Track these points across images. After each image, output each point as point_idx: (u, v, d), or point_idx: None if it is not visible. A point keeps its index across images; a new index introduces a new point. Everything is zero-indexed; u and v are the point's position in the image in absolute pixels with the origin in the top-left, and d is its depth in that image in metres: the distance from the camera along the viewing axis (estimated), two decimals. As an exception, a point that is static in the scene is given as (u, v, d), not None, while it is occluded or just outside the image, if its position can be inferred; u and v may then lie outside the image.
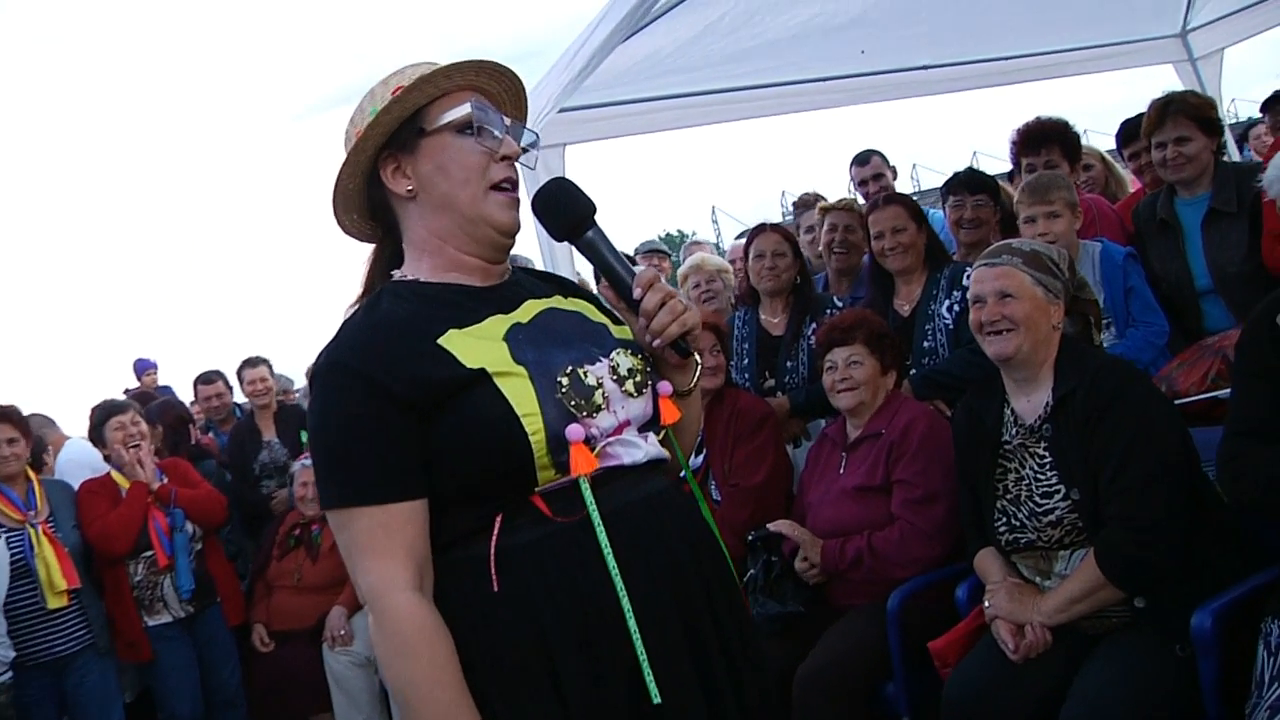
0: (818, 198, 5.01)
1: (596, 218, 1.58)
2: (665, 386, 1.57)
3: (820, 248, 4.28)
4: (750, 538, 3.27)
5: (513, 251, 1.64)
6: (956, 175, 4.00)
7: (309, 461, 4.65)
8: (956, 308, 3.39)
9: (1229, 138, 5.23)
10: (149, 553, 4.25)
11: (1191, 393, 2.84)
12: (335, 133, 1.60)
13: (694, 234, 19.43)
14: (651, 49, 4.21)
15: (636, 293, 1.51)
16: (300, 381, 7.43)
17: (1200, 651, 2.15)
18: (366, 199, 1.58)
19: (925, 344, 3.46)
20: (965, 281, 3.35)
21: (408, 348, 1.40)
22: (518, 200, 1.54)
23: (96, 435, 4.48)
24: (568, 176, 1.67)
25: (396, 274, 1.56)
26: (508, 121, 1.55)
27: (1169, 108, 3.37)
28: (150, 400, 5.57)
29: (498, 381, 1.38)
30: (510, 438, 1.36)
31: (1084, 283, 2.84)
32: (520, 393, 1.38)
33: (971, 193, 3.83)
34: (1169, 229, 3.45)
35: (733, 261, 5.17)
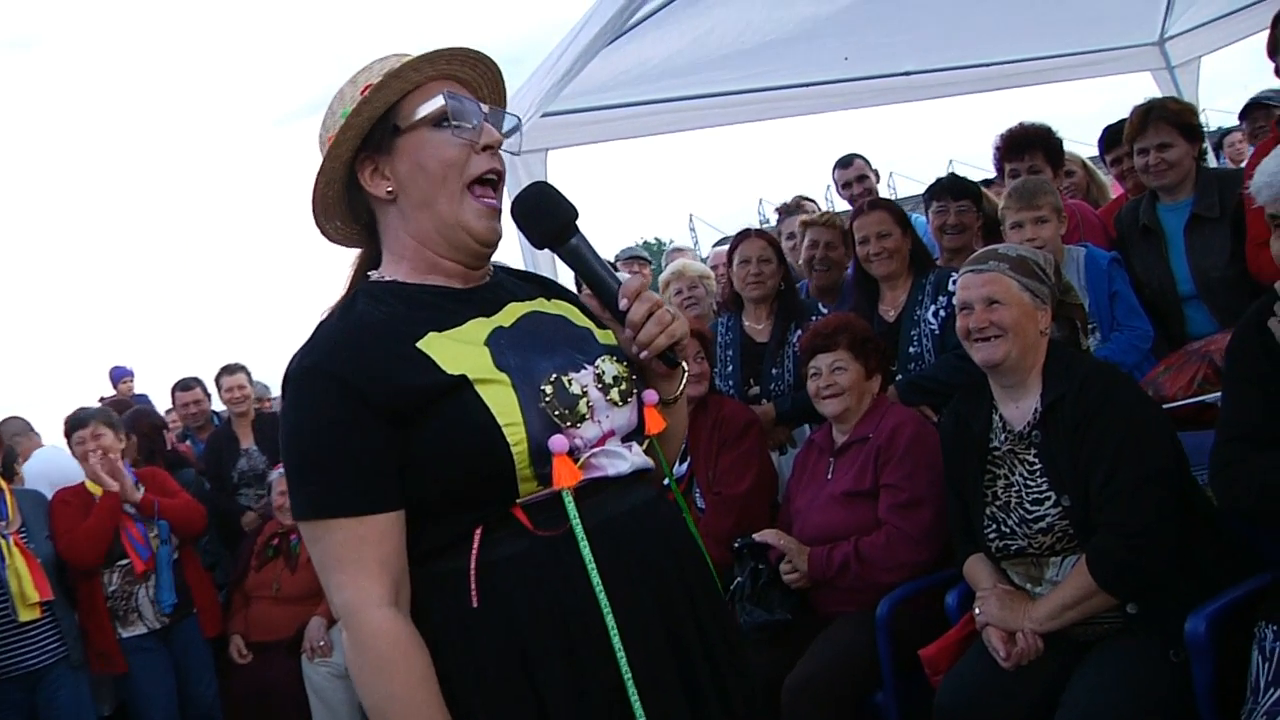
0: (802, 201, 5.01)
1: (579, 223, 1.53)
2: (650, 395, 1.53)
3: (800, 262, 4.26)
4: (736, 545, 3.25)
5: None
6: (939, 181, 4.01)
7: (287, 470, 4.61)
8: (942, 313, 3.38)
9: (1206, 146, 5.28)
10: (124, 562, 4.18)
11: (1179, 397, 2.84)
12: (315, 138, 1.53)
13: (671, 241, 19.46)
14: (636, 54, 4.20)
15: (623, 303, 1.46)
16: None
17: (1194, 657, 2.14)
18: (347, 204, 1.52)
19: (911, 350, 3.45)
20: (951, 287, 3.36)
21: (385, 351, 1.34)
22: (498, 210, 1.49)
23: (70, 445, 4.40)
24: (549, 181, 1.61)
25: (374, 274, 1.50)
26: (485, 109, 1.48)
27: (1151, 114, 3.38)
28: (126, 408, 5.49)
29: (479, 389, 1.33)
30: (491, 448, 1.31)
31: (1070, 287, 2.84)
32: (502, 401, 1.33)
33: (954, 198, 3.83)
34: (1152, 234, 3.46)
35: (715, 268, 5.16)
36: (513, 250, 4.48)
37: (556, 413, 1.36)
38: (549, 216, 1.52)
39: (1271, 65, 3.43)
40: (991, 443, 2.57)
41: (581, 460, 1.38)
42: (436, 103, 1.43)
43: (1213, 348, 2.93)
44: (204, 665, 4.47)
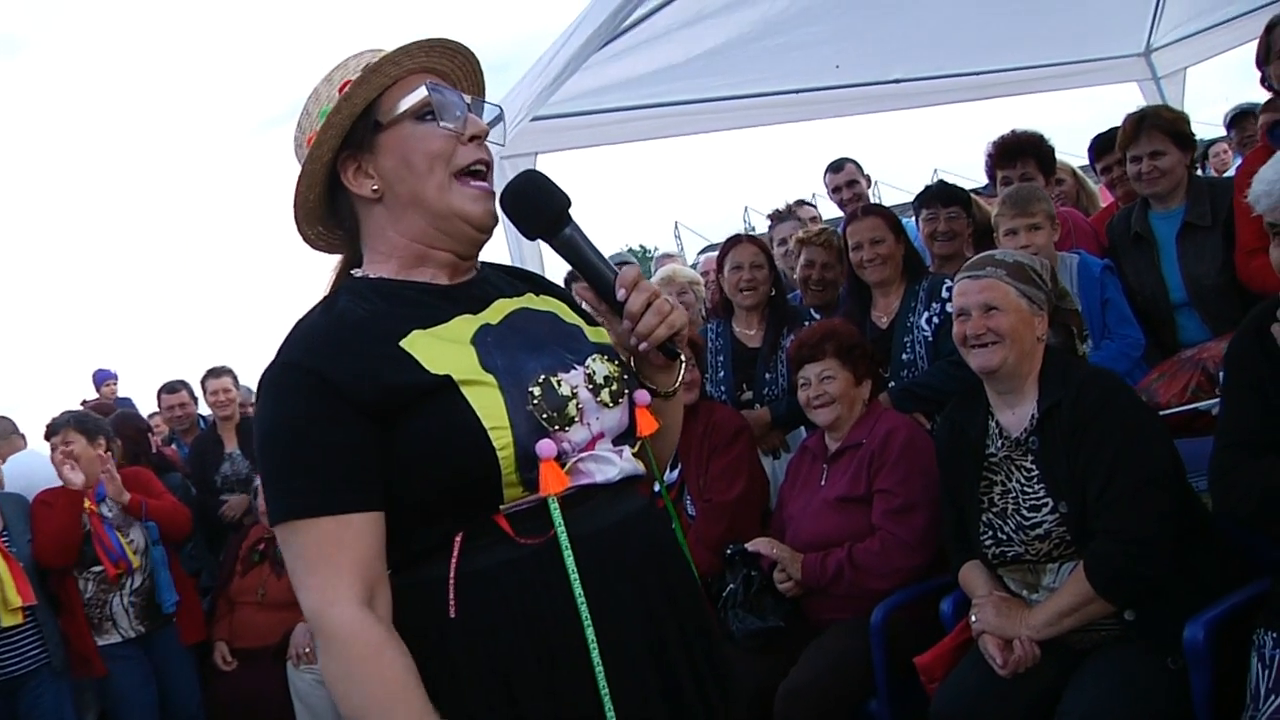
0: (796, 207, 5.01)
1: (572, 213, 1.46)
2: (643, 396, 1.46)
3: (797, 279, 4.26)
4: (728, 552, 3.24)
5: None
6: (929, 188, 4.02)
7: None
8: (936, 320, 3.38)
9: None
10: (98, 568, 4.12)
11: (1172, 404, 2.85)
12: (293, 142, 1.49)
13: (656, 249, 19.45)
14: (628, 58, 4.19)
15: (620, 293, 1.41)
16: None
17: (1193, 664, 2.14)
18: (329, 206, 1.47)
19: (904, 356, 3.45)
20: (944, 293, 3.35)
21: (366, 349, 1.29)
22: (491, 192, 1.44)
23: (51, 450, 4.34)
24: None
25: (356, 272, 1.45)
26: (468, 99, 1.44)
27: (1144, 122, 3.39)
28: (109, 411, 5.42)
29: (465, 391, 1.28)
30: (476, 453, 1.26)
31: (1065, 293, 2.84)
32: (489, 404, 1.28)
33: (944, 205, 3.83)
34: (1144, 242, 3.47)
35: (705, 274, 5.16)
36: (499, 246, 4.47)
37: (544, 416, 1.31)
38: (541, 206, 1.46)
39: (1258, 75, 3.45)
40: (988, 449, 2.56)
41: (569, 465, 1.32)
42: (419, 95, 1.39)
43: (1206, 355, 2.95)
44: (186, 672, 4.41)
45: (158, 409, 6.03)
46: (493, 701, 1.26)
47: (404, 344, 1.30)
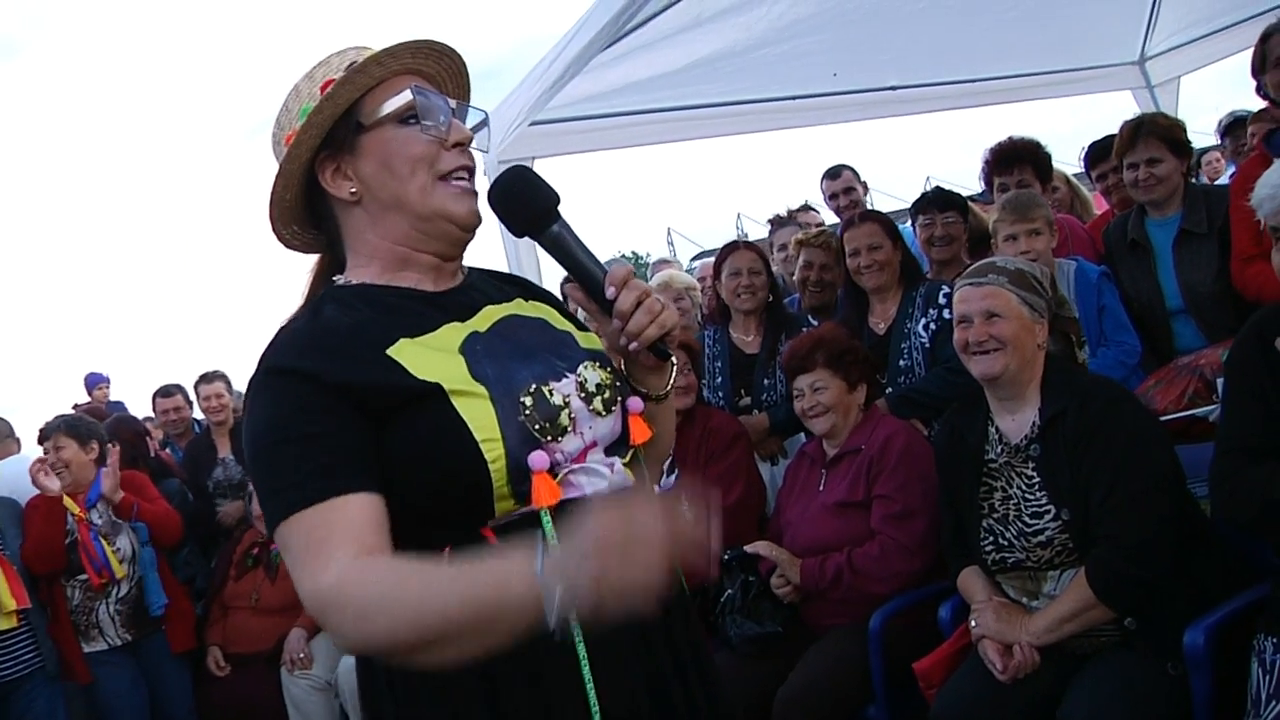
0: (800, 213, 5.01)
1: (560, 209, 1.41)
2: (635, 404, 1.43)
3: (795, 280, 4.26)
4: (726, 557, 3.23)
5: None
6: (925, 195, 4.04)
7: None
8: (933, 326, 3.39)
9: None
10: (84, 576, 4.10)
11: (1169, 411, 2.86)
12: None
13: (649, 254, 19.47)
14: (627, 63, 4.19)
15: (610, 292, 1.36)
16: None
17: (1193, 670, 2.14)
18: (307, 208, 1.43)
19: (901, 363, 3.45)
20: (941, 300, 3.36)
21: (354, 353, 1.25)
22: (474, 191, 1.39)
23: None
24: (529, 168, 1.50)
25: (339, 279, 1.40)
26: (453, 104, 1.40)
27: (1140, 129, 3.41)
28: (100, 415, 5.40)
29: (455, 401, 1.23)
30: (467, 465, 1.22)
31: (1064, 300, 2.85)
32: (479, 415, 1.23)
33: (941, 210, 3.86)
34: (1140, 249, 3.48)
35: (701, 279, 5.16)
36: (495, 249, 4.47)
37: (536, 426, 1.27)
38: (529, 202, 1.41)
39: (1253, 84, 3.46)
40: (988, 455, 2.56)
41: (560, 477, 1.28)
42: (403, 98, 1.35)
43: (1203, 362, 2.95)
44: (177, 679, 4.38)
45: (152, 413, 6.00)
46: (477, 716, 1.24)
47: (391, 352, 1.26)
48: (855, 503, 3.02)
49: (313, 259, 1.51)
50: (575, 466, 1.32)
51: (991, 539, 2.50)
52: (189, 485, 5.21)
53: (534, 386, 1.30)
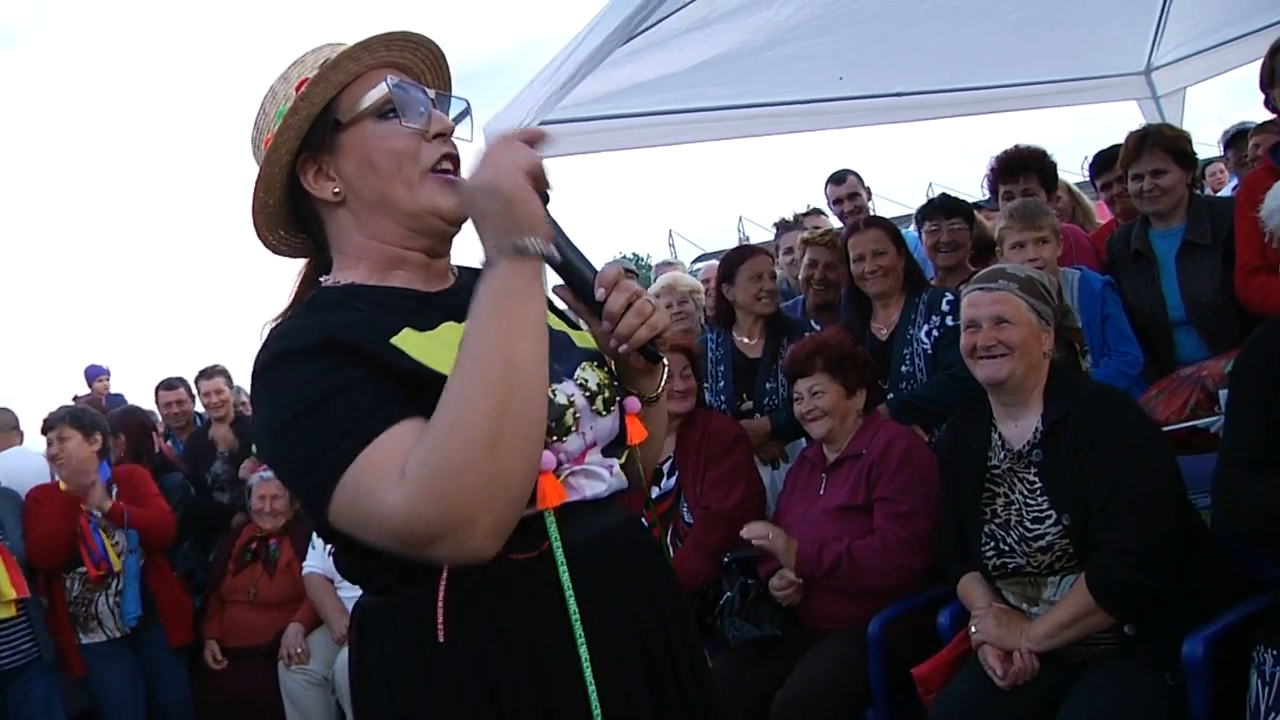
0: (806, 216, 5.01)
1: (550, 208, 1.36)
2: (633, 404, 1.43)
3: (799, 279, 4.26)
4: (726, 560, 3.24)
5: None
6: (932, 201, 4.04)
7: (268, 474, 4.53)
8: (935, 333, 3.39)
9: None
10: (83, 568, 4.10)
11: (1171, 421, 2.86)
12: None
13: (650, 256, 19.47)
14: (636, 65, 4.19)
15: (599, 293, 1.33)
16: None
17: (1191, 680, 2.14)
18: (290, 210, 1.40)
19: (903, 369, 3.45)
20: (944, 306, 3.37)
21: (362, 337, 1.21)
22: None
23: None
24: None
25: (326, 280, 1.38)
26: (432, 94, 1.37)
27: (1146, 140, 3.42)
28: (101, 409, 5.40)
29: None
30: None
31: (1069, 309, 2.86)
32: None
33: (947, 216, 3.85)
34: (1143, 260, 3.49)
35: (705, 282, 5.16)
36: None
37: None
38: None
39: (1261, 97, 3.46)
40: (990, 461, 2.57)
41: (562, 478, 1.28)
42: (379, 92, 1.32)
43: (1205, 373, 2.96)
44: (174, 673, 4.39)
45: (155, 405, 6.00)
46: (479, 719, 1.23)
47: (396, 340, 1.24)
48: (856, 506, 3.03)
49: (300, 262, 1.49)
50: (575, 468, 1.32)
51: (992, 544, 2.50)
52: (189, 479, 5.22)
53: None
